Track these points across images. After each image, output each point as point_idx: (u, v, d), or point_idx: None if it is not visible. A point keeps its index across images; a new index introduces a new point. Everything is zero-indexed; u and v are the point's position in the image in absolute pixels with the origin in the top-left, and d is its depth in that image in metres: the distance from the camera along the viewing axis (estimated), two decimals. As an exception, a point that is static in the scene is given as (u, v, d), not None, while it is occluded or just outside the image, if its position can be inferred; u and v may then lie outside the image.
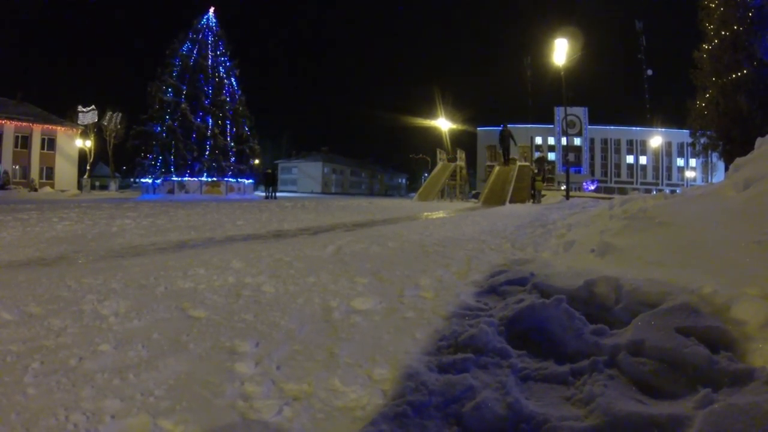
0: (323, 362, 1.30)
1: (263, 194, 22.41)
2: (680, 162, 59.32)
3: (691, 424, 0.89)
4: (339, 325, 1.62)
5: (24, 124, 33.13)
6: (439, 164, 21.01)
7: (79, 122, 36.73)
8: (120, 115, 40.43)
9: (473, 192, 26.80)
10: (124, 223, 5.37)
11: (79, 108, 37.09)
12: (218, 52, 23.07)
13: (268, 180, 21.66)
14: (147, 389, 1.10)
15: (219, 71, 22.90)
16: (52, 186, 30.71)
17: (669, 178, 59.57)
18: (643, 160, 60.58)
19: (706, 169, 46.77)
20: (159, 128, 21.13)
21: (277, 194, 21.68)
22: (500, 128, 17.11)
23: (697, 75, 22.08)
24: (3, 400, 1.02)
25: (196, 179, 21.65)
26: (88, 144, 37.83)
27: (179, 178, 21.39)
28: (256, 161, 25.15)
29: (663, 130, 53.86)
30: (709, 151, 24.38)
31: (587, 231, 3.30)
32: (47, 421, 0.95)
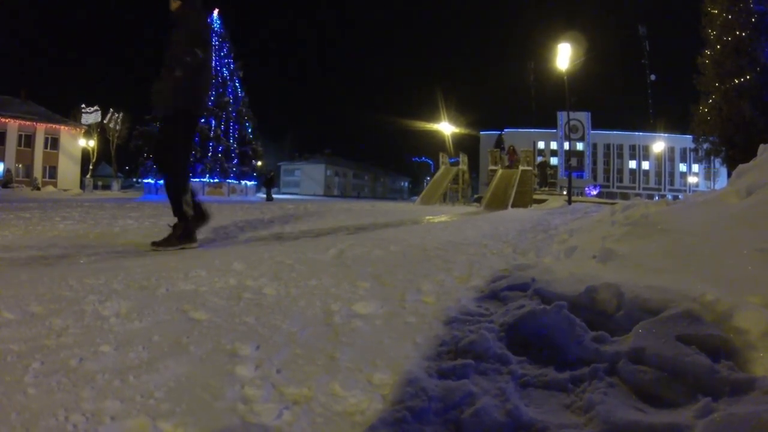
0: (324, 366, 1.30)
1: (264, 196, 22.46)
2: (683, 167, 59.25)
3: (691, 434, 0.89)
4: (340, 329, 1.62)
5: (28, 123, 33.30)
6: (442, 168, 21.04)
7: (82, 122, 36.94)
8: (123, 115, 40.63)
9: (476, 196, 26.80)
10: (126, 223, 5.38)
11: (83, 108, 37.32)
12: (222, 54, 23.18)
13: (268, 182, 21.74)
14: (147, 391, 1.10)
15: (222, 72, 23.00)
16: (55, 185, 30.86)
17: (671, 183, 59.48)
18: (645, 165, 60.52)
19: (709, 174, 46.69)
20: (162, 129, 21.19)
21: (274, 197, 21.63)
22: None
23: (700, 80, 22.10)
24: (3, 400, 1.02)
25: (198, 180, 21.70)
26: (91, 144, 38.04)
27: (182, 179, 21.41)
28: (259, 163, 25.21)
29: (666, 135, 53.84)
30: (712, 157, 24.38)
31: (589, 237, 3.30)
32: (47, 422, 0.95)
